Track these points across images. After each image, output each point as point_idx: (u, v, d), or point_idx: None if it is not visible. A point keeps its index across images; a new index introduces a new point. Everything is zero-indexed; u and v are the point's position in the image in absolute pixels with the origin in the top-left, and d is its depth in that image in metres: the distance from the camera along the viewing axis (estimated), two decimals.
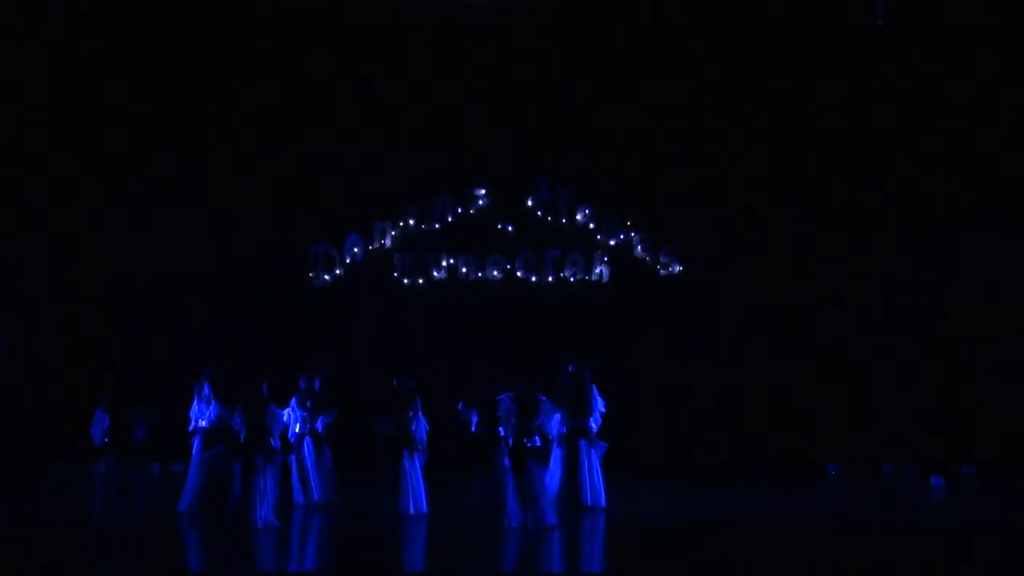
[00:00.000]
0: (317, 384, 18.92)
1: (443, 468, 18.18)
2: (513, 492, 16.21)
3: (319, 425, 18.76)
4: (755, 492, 20.59)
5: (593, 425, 17.90)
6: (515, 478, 16.17)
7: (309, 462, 18.63)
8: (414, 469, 17.46)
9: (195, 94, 23.62)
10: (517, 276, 24.02)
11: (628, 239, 24.13)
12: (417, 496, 17.38)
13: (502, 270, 24.05)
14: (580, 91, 23.88)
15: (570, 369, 17.89)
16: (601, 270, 24.04)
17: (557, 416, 17.51)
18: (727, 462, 22.97)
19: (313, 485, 18.51)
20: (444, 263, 24.09)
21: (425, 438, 17.61)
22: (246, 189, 23.70)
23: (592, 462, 17.72)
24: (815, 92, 23.61)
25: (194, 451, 18.02)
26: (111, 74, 23.46)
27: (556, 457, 17.77)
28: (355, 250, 24.12)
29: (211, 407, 17.93)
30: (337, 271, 24.09)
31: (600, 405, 17.99)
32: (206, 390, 18.01)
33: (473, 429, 17.63)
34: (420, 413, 17.76)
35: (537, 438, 16.54)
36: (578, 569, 14.32)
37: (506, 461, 17.01)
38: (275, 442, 16.76)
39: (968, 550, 15.12)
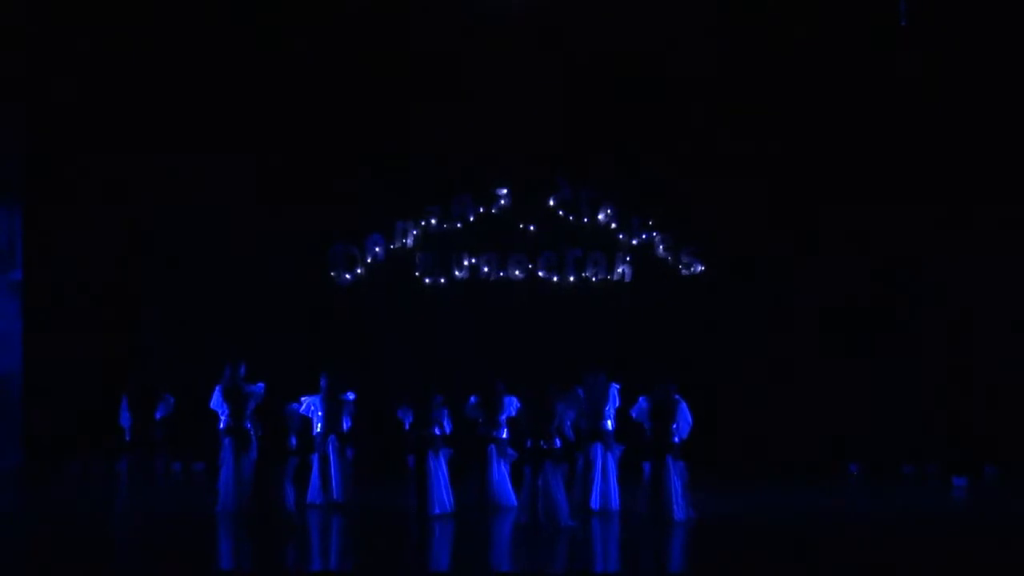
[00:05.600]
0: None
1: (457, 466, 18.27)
2: (526, 492, 16.27)
3: (345, 424, 18.73)
4: (776, 492, 20.54)
5: (608, 426, 17.86)
6: (531, 479, 16.21)
7: (332, 461, 18.59)
8: (439, 468, 17.47)
9: (217, 90, 23.63)
10: (539, 276, 24.02)
11: (650, 239, 24.09)
12: (443, 495, 17.36)
13: (524, 270, 24.04)
14: (602, 90, 23.83)
15: (587, 375, 17.87)
16: (623, 270, 24.02)
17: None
18: (748, 462, 22.91)
19: (333, 485, 18.49)
20: (466, 262, 24.10)
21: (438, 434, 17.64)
22: (267, 188, 23.70)
23: (608, 465, 17.68)
24: (837, 92, 23.51)
25: (226, 451, 18.01)
26: (118, 71, 23.53)
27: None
28: (376, 249, 24.15)
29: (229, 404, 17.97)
30: (358, 270, 24.13)
31: (615, 404, 17.91)
32: (218, 392, 18.07)
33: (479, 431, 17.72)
34: (444, 413, 17.81)
35: (557, 440, 16.56)
36: (590, 569, 14.31)
37: (497, 463, 17.08)
38: (292, 440, 16.85)
39: (994, 550, 15.06)
